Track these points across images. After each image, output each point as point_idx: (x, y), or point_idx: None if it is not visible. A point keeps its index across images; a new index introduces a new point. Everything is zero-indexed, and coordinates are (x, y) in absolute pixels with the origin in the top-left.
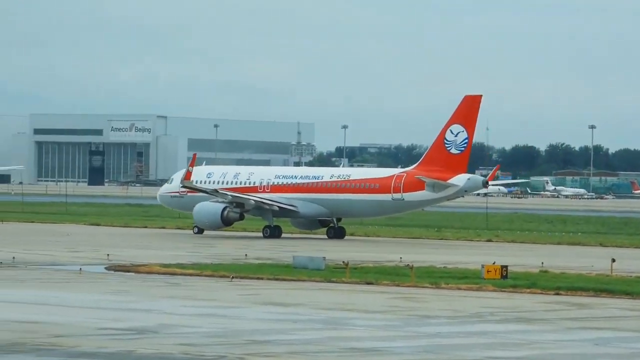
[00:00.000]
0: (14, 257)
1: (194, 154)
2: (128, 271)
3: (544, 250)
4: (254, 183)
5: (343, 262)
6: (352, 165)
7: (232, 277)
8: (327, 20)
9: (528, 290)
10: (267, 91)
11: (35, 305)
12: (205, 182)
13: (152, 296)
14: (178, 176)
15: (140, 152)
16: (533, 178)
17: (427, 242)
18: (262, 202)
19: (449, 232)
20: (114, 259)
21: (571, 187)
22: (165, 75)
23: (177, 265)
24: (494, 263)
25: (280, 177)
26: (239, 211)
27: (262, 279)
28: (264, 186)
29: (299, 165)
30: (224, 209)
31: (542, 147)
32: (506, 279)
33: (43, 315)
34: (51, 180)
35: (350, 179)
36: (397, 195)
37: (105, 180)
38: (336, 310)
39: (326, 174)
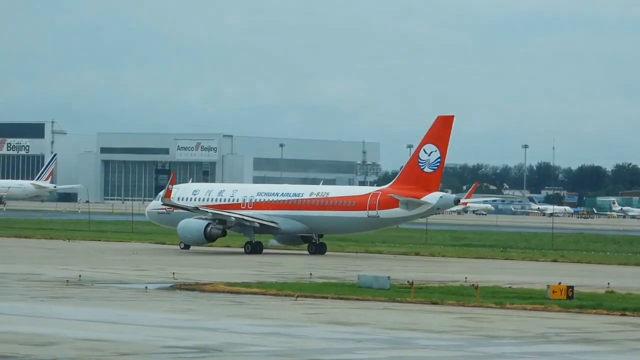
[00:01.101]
0: (80, 275)
1: (174, 173)
2: (193, 290)
3: (610, 271)
4: (237, 200)
5: (408, 281)
6: None
7: (297, 296)
8: (393, 40)
9: (594, 310)
10: (333, 110)
11: (101, 323)
12: (191, 199)
13: (217, 315)
14: (162, 194)
15: (206, 171)
16: (599, 198)
17: (493, 262)
18: (242, 218)
19: (514, 252)
20: (179, 277)
21: (638, 208)
22: (232, 94)
23: (242, 284)
24: (559, 283)
25: (262, 194)
26: (221, 227)
27: (326, 298)
28: (247, 203)
29: (364, 185)
30: (207, 225)
31: (609, 167)
32: (572, 300)
33: (109, 333)
34: (117, 199)
35: (329, 196)
36: (372, 213)
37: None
38: (400, 330)
39: (306, 191)
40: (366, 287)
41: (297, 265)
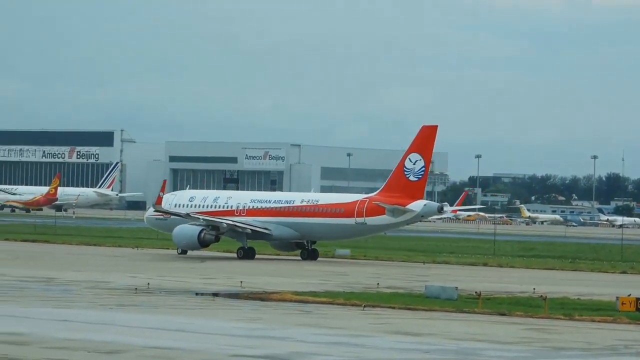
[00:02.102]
0: (148, 284)
1: (164, 181)
2: (261, 299)
3: None
4: (231, 207)
5: (476, 292)
6: (485, 195)
7: (364, 306)
8: (461, 50)
9: None
10: (400, 120)
11: (169, 331)
12: (187, 206)
13: (284, 324)
14: (164, 200)
15: (273, 180)
16: None
17: (561, 273)
18: (234, 225)
19: (583, 263)
20: (247, 286)
21: None
22: (299, 103)
23: (309, 293)
24: (629, 295)
25: (256, 201)
26: (214, 233)
27: (393, 308)
28: (240, 210)
29: (431, 195)
30: (201, 231)
31: None
32: None
33: (177, 342)
34: None
35: (318, 203)
36: (360, 220)
37: None
38: (468, 341)
39: (297, 198)
40: (434, 297)
41: (364, 274)
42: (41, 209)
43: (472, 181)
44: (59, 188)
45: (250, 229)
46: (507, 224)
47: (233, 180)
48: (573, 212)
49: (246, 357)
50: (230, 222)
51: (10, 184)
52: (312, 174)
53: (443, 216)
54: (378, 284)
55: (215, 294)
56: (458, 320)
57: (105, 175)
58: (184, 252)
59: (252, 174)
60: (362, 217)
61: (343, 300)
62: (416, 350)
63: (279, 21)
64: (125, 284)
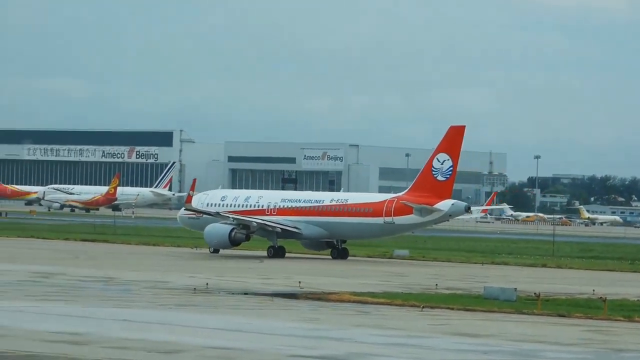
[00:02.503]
0: (207, 284)
1: (194, 180)
2: (319, 299)
3: None
4: (262, 206)
5: (535, 293)
6: (544, 196)
7: (423, 307)
8: (520, 49)
9: None
10: (459, 120)
11: (228, 331)
12: (219, 205)
13: (343, 324)
14: (195, 199)
15: (332, 181)
16: None
17: (621, 274)
18: (265, 224)
19: None
20: (305, 286)
21: None
22: (358, 104)
23: (367, 294)
24: None
25: (286, 200)
26: (245, 232)
27: (452, 309)
28: (271, 209)
29: (489, 196)
30: (232, 230)
31: None
32: None
33: (235, 342)
34: None
35: (348, 203)
36: (388, 219)
37: None
38: (527, 342)
39: (327, 198)
40: (492, 298)
41: (423, 275)
42: (97, 209)
43: (531, 182)
44: (118, 188)
45: (280, 228)
46: (566, 225)
47: (291, 181)
48: (633, 213)
49: (304, 358)
50: (260, 221)
51: (70, 183)
52: (370, 174)
53: (473, 216)
54: (437, 284)
55: (274, 295)
56: (517, 322)
57: (161, 175)
58: (216, 251)
59: (310, 174)
60: (391, 216)
61: (401, 301)
62: (475, 352)
63: (339, 22)
64: (184, 284)
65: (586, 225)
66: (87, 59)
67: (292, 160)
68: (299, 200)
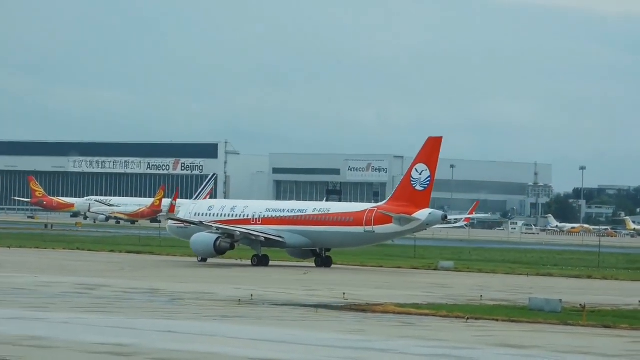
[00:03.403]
0: (252, 295)
1: (177, 190)
2: (363, 310)
3: None
4: (248, 216)
5: (580, 305)
6: (589, 208)
7: (467, 318)
8: (566, 60)
9: None
10: (504, 131)
11: (273, 342)
12: (206, 214)
13: (386, 336)
14: (183, 209)
15: (376, 192)
16: None
17: None
18: (248, 233)
19: None
20: (349, 298)
21: None
22: (402, 115)
23: (412, 305)
24: None
25: (271, 210)
26: (229, 241)
27: (497, 320)
28: (256, 219)
29: (535, 207)
30: (217, 239)
31: None
32: None
33: (280, 353)
34: None
35: (329, 212)
36: (368, 228)
37: None
38: (572, 354)
39: (309, 207)
40: (537, 310)
41: (467, 286)
42: (136, 221)
43: (577, 193)
44: (163, 199)
45: (264, 237)
46: (612, 237)
47: (336, 192)
48: None
49: None
50: (244, 230)
51: (115, 195)
52: None
53: (457, 225)
54: (481, 296)
55: (318, 306)
56: (562, 333)
57: (202, 187)
58: (203, 259)
59: (354, 185)
60: (371, 225)
61: (446, 312)
62: None
63: (382, 33)
64: (229, 295)
65: (632, 236)
66: (133, 72)
67: (336, 172)
68: (283, 210)
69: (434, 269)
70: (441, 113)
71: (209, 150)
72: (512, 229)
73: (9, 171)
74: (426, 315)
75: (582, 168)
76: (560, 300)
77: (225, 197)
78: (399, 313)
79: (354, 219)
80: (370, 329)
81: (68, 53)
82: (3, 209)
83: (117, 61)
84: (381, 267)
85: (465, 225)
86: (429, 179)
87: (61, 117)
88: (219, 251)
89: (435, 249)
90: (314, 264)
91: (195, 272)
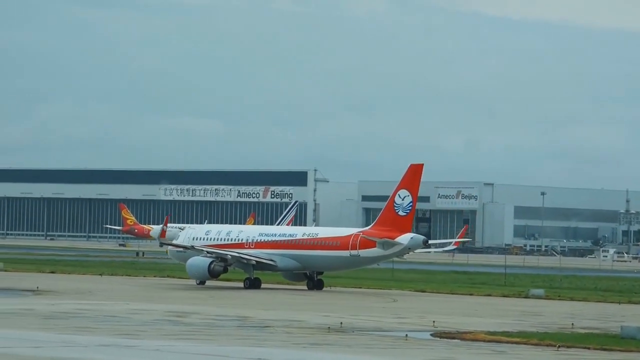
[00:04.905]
0: (341, 323)
1: (167, 216)
2: (453, 338)
3: None
4: (242, 240)
5: None
6: None
7: (559, 346)
8: None
9: None
10: (595, 158)
11: None
12: (203, 239)
13: None
14: (183, 234)
15: (466, 219)
16: None
17: None
18: (240, 256)
19: None
20: (439, 325)
21: None
22: (492, 142)
23: (502, 333)
24: None
25: (263, 235)
26: (223, 265)
27: (588, 348)
28: (249, 243)
29: (626, 235)
30: (211, 263)
31: None
32: None
33: None
34: None
35: (317, 237)
36: (354, 252)
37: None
38: None
39: (299, 232)
40: (630, 338)
41: (559, 314)
42: None
43: None
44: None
45: (255, 260)
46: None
47: (425, 220)
48: None
49: None
50: (236, 254)
51: (206, 222)
52: (505, 213)
53: (446, 249)
54: (572, 324)
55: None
56: None
57: (283, 214)
58: (202, 282)
59: (444, 213)
60: (356, 249)
61: (537, 340)
62: None
63: (471, 60)
64: (318, 323)
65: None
66: (222, 99)
67: (425, 199)
68: (275, 235)
69: (525, 297)
70: (531, 139)
71: (298, 178)
72: (603, 256)
73: (100, 199)
74: (517, 343)
75: None
76: None
77: (315, 225)
78: (489, 341)
79: (341, 244)
80: (461, 357)
81: (159, 82)
82: (95, 236)
83: (206, 90)
84: (471, 294)
85: (455, 249)
86: (410, 204)
87: (152, 146)
88: (212, 274)
89: (526, 277)
90: (306, 287)
91: (286, 299)
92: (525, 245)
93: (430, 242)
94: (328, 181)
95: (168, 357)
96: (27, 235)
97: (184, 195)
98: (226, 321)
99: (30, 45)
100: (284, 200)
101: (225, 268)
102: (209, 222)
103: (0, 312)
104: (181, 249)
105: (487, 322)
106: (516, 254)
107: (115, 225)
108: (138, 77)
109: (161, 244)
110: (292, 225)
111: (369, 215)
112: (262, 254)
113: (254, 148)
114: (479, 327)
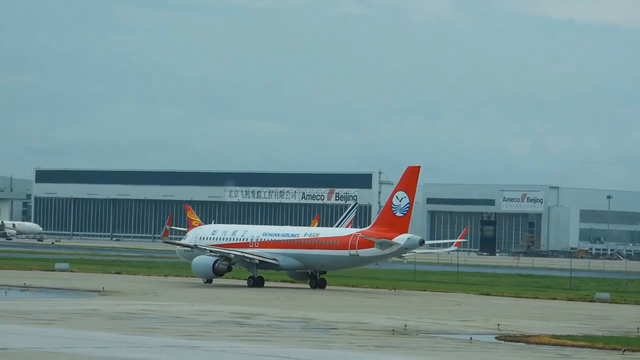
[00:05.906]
0: (405, 325)
1: (170, 215)
2: (518, 341)
3: None
4: (247, 239)
5: None
6: None
7: (624, 350)
8: None
9: None
10: None
11: None
12: (210, 238)
13: None
14: (191, 234)
15: (531, 223)
16: None
17: None
18: (243, 256)
19: None
20: (504, 329)
21: None
22: (557, 145)
23: (567, 337)
24: None
25: (267, 234)
26: (227, 264)
27: None
28: (254, 242)
29: None
30: (215, 261)
31: None
32: None
33: None
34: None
35: (318, 237)
36: (353, 252)
37: (497, 250)
38: None
39: (301, 232)
40: None
41: (624, 318)
42: None
43: None
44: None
45: (259, 260)
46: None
47: (490, 223)
48: None
49: None
50: (239, 253)
51: (271, 224)
52: (570, 216)
53: (447, 250)
54: (638, 328)
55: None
56: None
57: (342, 216)
58: (209, 281)
59: (509, 216)
60: (355, 249)
61: (602, 344)
62: None
63: (537, 64)
64: (383, 325)
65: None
66: (287, 102)
67: (491, 202)
68: (278, 235)
69: (590, 301)
70: (597, 143)
71: (363, 180)
72: None
73: (166, 200)
74: (582, 347)
75: None
76: None
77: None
78: (554, 344)
79: (340, 243)
80: None
81: (224, 85)
82: (160, 238)
83: (272, 93)
84: (536, 298)
85: (456, 249)
86: (408, 205)
87: (217, 148)
88: (217, 273)
89: (592, 281)
90: (308, 286)
91: (351, 301)
92: (590, 249)
93: (430, 242)
94: (392, 184)
95: (233, 358)
96: (93, 236)
97: (249, 197)
98: (292, 322)
99: (98, 48)
100: (348, 202)
101: (229, 267)
102: (275, 224)
103: (66, 312)
104: (188, 249)
105: (552, 325)
106: (582, 257)
107: (180, 227)
108: (203, 79)
109: (164, 242)
110: (351, 227)
111: (434, 218)
112: (266, 253)
113: (319, 150)
114: (543, 330)
